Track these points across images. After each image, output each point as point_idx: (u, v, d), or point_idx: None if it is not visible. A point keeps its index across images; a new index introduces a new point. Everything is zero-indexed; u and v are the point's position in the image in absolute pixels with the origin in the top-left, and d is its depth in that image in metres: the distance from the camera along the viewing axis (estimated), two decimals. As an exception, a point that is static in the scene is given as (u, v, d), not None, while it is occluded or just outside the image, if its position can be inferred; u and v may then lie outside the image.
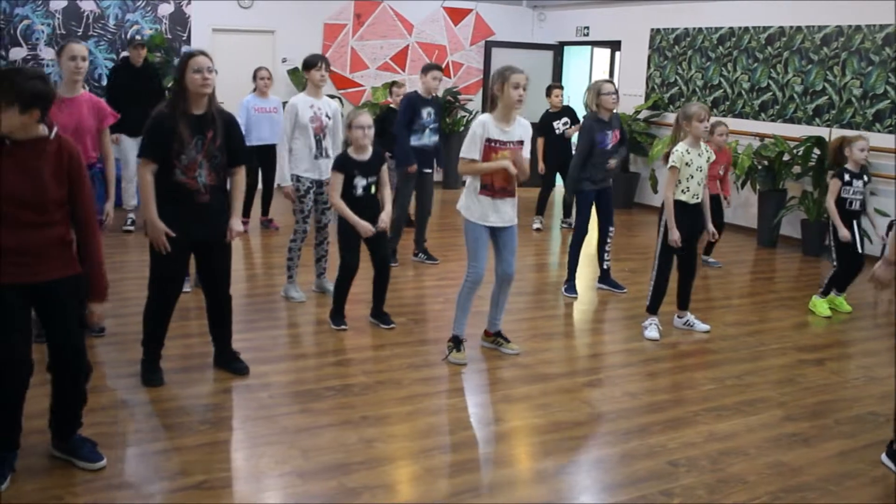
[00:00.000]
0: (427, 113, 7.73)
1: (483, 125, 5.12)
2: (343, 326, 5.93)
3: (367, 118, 5.75)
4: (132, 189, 8.85)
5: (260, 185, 9.21)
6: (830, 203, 6.79)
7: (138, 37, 9.96)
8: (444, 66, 13.22)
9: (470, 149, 5.12)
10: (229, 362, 5.05)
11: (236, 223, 4.77)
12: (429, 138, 7.77)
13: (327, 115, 6.39)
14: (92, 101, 5.30)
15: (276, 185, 7.41)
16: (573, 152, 10.03)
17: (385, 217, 5.82)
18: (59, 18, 10.42)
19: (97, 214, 3.92)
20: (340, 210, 5.69)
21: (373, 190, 5.79)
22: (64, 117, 4.85)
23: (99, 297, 3.75)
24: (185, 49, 4.41)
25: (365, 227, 5.67)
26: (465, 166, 5.17)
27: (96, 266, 3.71)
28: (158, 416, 4.42)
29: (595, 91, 6.90)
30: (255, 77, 8.86)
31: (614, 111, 7.03)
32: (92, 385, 4.55)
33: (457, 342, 5.42)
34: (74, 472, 3.73)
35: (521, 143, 5.22)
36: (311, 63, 6.39)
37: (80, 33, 10.51)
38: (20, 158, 3.44)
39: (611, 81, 7.05)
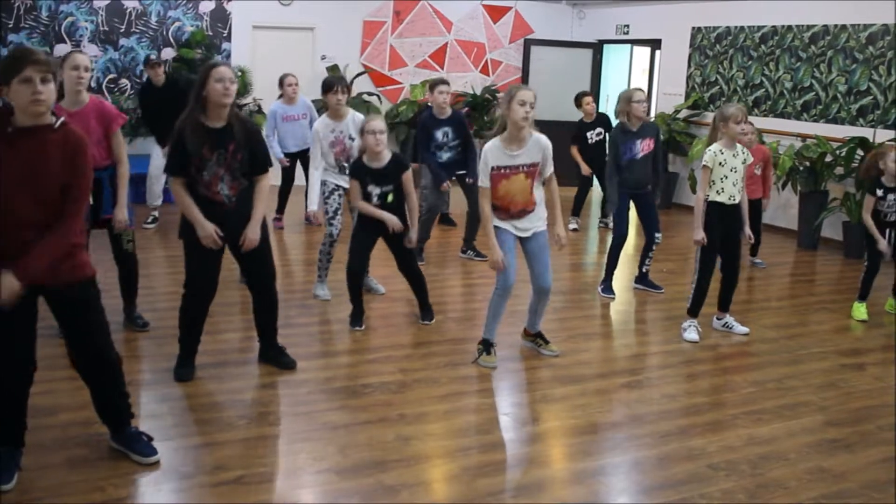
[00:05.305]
0: (443, 134, 7.53)
1: (486, 154, 4.98)
2: (358, 327, 5.88)
3: (379, 123, 5.61)
4: (157, 188, 8.90)
5: (303, 182, 9.24)
6: (867, 218, 6.78)
7: (153, 56, 9.88)
8: (482, 63, 13.22)
9: (482, 178, 5.02)
10: (276, 357, 5.07)
11: (252, 231, 4.66)
12: (447, 156, 7.60)
13: (350, 137, 6.25)
14: (97, 109, 5.10)
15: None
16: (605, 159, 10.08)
17: (413, 236, 5.78)
18: (102, 15, 10.54)
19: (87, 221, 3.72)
20: (364, 209, 5.66)
21: (389, 199, 5.68)
22: None
23: (18, 272, 3.29)
24: (212, 60, 4.37)
25: (393, 220, 5.64)
26: (483, 199, 5.06)
27: (45, 251, 3.35)
28: (197, 410, 4.45)
29: (625, 99, 6.84)
30: (281, 84, 8.74)
31: (650, 120, 6.93)
32: (131, 379, 4.61)
33: (486, 345, 5.36)
34: (116, 464, 3.76)
35: (535, 165, 5.05)
36: (327, 86, 6.23)
37: (122, 30, 10.63)
38: (23, 147, 3.31)
39: (641, 90, 6.96)
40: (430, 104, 8.14)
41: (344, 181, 6.31)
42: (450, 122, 7.56)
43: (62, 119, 3.42)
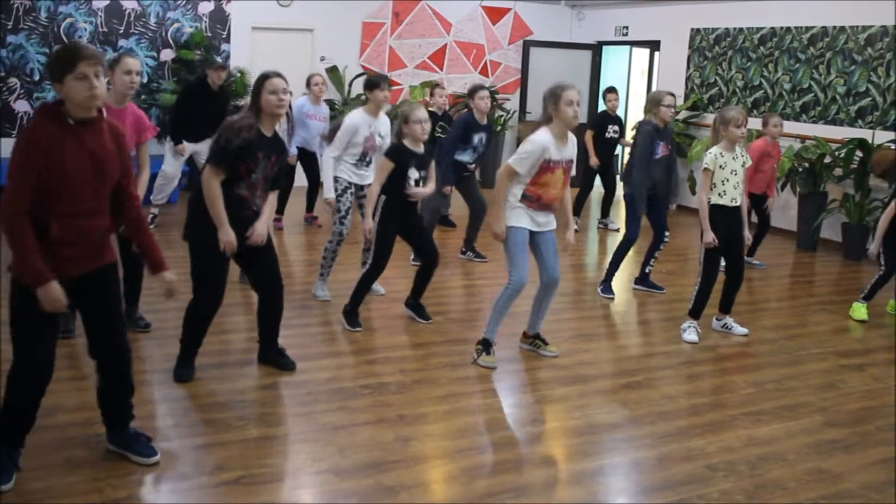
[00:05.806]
0: (479, 139, 7.77)
1: (544, 148, 5.02)
2: (357, 328, 5.89)
3: (425, 112, 5.76)
4: (168, 189, 8.88)
5: (305, 183, 9.28)
6: (885, 222, 6.63)
7: (219, 59, 9.97)
8: (482, 65, 13.23)
9: (521, 164, 5.03)
10: (276, 358, 5.07)
11: (261, 225, 4.71)
12: (471, 157, 7.80)
13: (380, 135, 6.39)
14: (135, 115, 5.27)
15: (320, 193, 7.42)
16: (613, 157, 10.21)
17: (420, 190, 5.79)
18: (101, 17, 10.54)
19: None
20: (371, 196, 5.70)
21: (422, 185, 5.81)
22: None
23: (164, 266, 3.76)
24: (263, 71, 4.40)
25: (368, 228, 5.73)
26: (504, 178, 5.11)
27: (151, 238, 3.78)
28: (197, 411, 4.45)
29: (654, 101, 6.88)
30: (308, 83, 8.97)
31: (668, 124, 6.99)
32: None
33: (486, 345, 5.36)
34: (115, 464, 3.76)
35: (571, 161, 5.23)
36: (375, 83, 6.34)
37: (121, 31, 10.64)
38: (86, 139, 3.43)
39: (672, 94, 7.02)
40: (432, 102, 8.66)
41: (358, 177, 6.39)
42: (486, 129, 7.87)
43: (103, 109, 3.56)
